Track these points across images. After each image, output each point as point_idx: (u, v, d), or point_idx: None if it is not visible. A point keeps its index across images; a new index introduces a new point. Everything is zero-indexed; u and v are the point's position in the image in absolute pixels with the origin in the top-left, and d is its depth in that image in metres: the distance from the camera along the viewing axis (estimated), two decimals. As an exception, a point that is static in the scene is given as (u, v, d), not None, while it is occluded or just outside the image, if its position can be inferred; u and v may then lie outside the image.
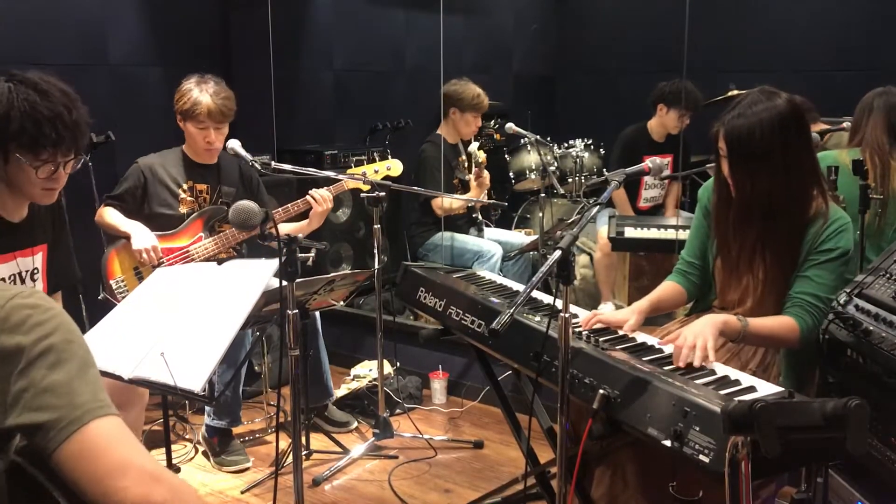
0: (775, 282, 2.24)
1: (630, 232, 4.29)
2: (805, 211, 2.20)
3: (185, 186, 3.30)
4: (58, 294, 2.46)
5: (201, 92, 3.17)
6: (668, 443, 1.67)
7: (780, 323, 2.15)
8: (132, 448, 1.13)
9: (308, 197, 3.24)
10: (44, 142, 1.95)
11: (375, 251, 3.24)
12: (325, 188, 3.27)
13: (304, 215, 3.29)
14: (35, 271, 2.28)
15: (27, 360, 1.11)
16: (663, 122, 4.56)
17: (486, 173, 4.32)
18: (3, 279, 2.19)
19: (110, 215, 3.21)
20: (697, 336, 1.99)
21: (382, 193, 3.13)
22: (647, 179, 4.64)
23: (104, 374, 1.99)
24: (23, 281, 2.24)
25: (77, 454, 1.09)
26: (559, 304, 1.87)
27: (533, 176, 5.13)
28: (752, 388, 1.83)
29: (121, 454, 1.11)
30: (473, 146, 4.33)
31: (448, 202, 4.36)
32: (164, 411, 2.31)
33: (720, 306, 2.40)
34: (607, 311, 2.35)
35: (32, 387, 1.10)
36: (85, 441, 1.10)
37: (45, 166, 2.01)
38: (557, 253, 1.84)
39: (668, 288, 2.47)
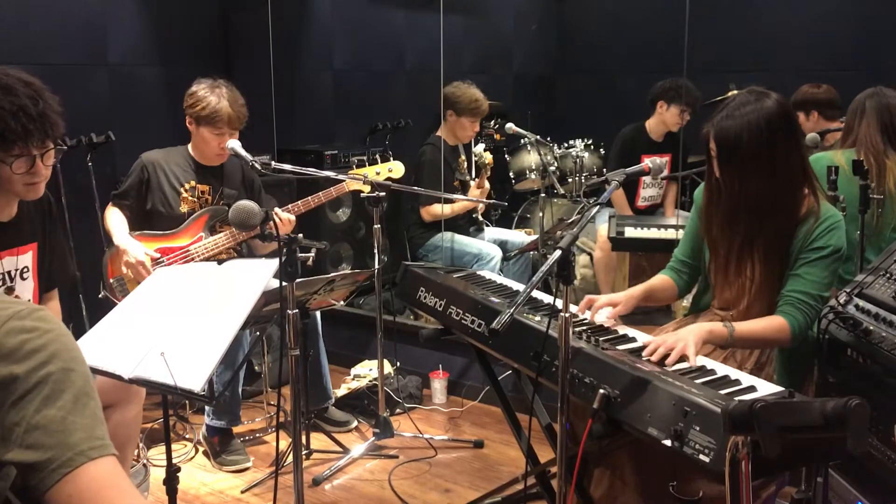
0: (768, 281, 2.25)
1: (630, 232, 4.29)
2: (795, 210, 2.21)
3: (187, 186, 3.30)
4: (54, 292, 2.46)
5: (219, 98, 3.16)
6: (668, 443, 1.67)
7: (768, 324, 2.15)
8: (123, 494, 1.08)
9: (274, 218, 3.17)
10: (11, 136, 1.94)
11: (375, 251, 3.24)
12: (286, 209, 3.18)
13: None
14: (25, 270, 2.28)
15: (20, 392, 1.05)
16: (663, 119, 4.55)
17: (487, 184, 4.31)
18: None
19: (111, 220, 3.21)
20: (679, 341, 2.01)
21: (382, 194, 3.13)
22: (646, 179, 4.64)
23: (104, 373, 1.99)
24: (11, 279, 2.24)
25: (66, 498, 1.04)
26: (559, 304, 1.88)
27: (533, 176, 5.13)
28: (752, 388, 1.83)
29: (111, 503, 1.06)
30: (479, 148, 4.32)
31: (439, 209, 4.35)
32: (164, 411, 2.31)
33: (718, 306, 2.41)
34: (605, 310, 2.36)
35: (24, 421, 1.05)
36: (76, 485, 1.05)
37: (19, 161, 2.00)
38: (557, 253, 1.84)
39: (662, 281, 2.50)
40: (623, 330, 2.23)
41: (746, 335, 2.12)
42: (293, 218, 3.19)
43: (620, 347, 2.07)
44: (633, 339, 2.16)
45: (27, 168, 2.03)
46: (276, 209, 3.18)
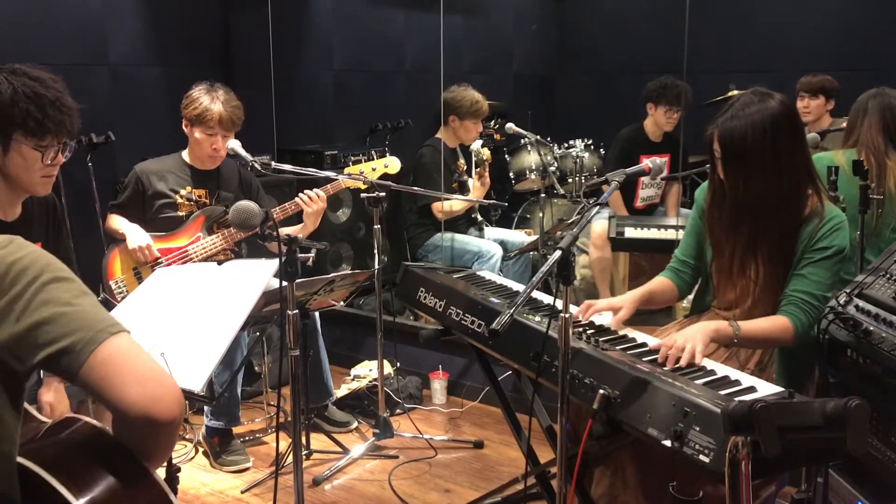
0: (771, 282, 2.25)
1: (630, 232, 4.29)
2: (799, 211, 2.21)
3: (182, 192, 3.30)
4: None
5: (212, 100, 3.18)
6: (668, 443, 1.67)
7: (772, 324, 2.15)
8: (147, 361, 1.22)
9: (298, 199, 3.21)
10: (49, 125, 1.99)
11: (375, 251, 3.24)
12: (318, 188, 3.24)
13: (300, 217, 3.28)
14: None
15: (22, 305, 1.17)
16: (655, 120, 4.57)
17: (486, 174, 4.31)
18: None
19: (114, 221, 3.26)
20: (688, 341, 2.00)
21: (383, 194, 3.13)
22: (644, 179, 4.64)
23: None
24: None
25: (99, 369, 1.17)
26: (559, 304, 1.88)
27: (533, 176, 5.13)
28: (752, 388, 1.83)
29: (141, 365, 1.21)
30: (476, 144, 4.33)
31: (450, 205, 4.36)
32: (164, 411, 2.31)
33: (719, 307, 2.40)
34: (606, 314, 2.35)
35: (35, 324, 1.17)
36: (103, 357, 1.18)
37: (49, 151, 2.04)
38: (557, 253, 1.84)
39: (661, 283, 2.49)
40: (623, 331, 2.23)
41: (751, 334, 2.12)
42: (324, 195, 3.22)
43: (620, 347, 2.07)
44: (633, 339, 2.16)
45: (52, 158, 2.06)
46: (306, 191, 3.21)
